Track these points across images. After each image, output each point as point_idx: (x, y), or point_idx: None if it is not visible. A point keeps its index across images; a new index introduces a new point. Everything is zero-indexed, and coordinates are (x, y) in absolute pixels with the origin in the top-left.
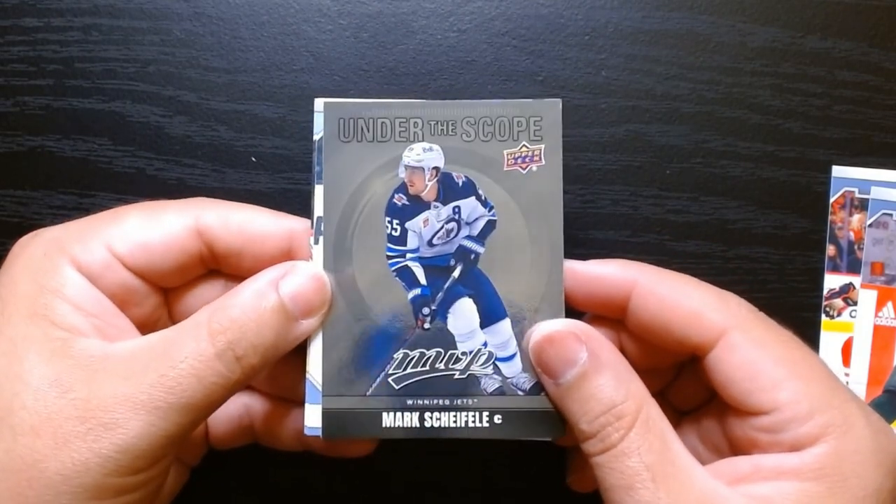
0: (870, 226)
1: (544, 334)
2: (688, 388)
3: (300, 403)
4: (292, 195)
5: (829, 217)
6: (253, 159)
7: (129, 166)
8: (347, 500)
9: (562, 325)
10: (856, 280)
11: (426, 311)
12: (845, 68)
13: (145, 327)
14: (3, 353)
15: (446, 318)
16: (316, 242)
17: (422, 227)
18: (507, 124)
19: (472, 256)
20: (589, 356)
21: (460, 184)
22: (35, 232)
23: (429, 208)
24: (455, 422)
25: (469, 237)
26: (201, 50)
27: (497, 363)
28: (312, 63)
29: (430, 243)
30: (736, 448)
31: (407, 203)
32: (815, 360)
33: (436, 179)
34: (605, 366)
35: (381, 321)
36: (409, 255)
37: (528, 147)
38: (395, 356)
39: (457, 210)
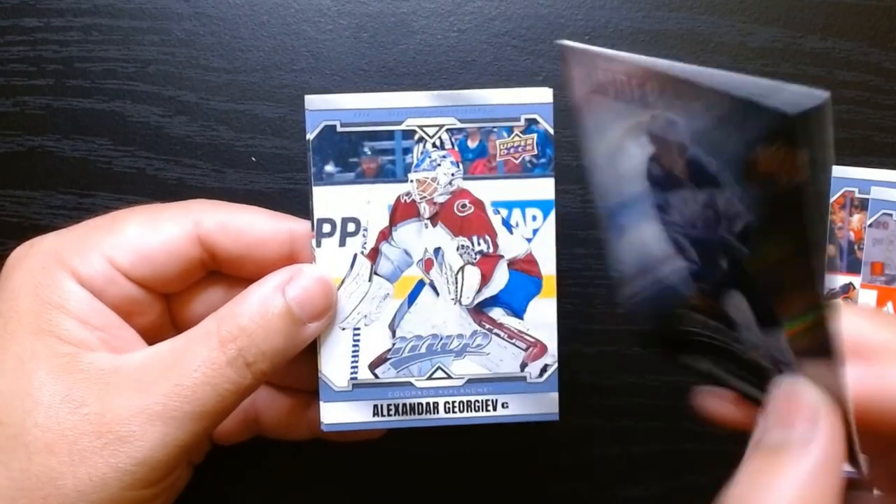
0: (870, 226)
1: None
2: None
3: (308, 393)
4: (292, 195)
5: (829, 217)
6: (253, 159)
7: (129, 166)
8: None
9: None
10: (856, 280)
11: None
12: (845, 68)
13: (150, 335)
14: (11, 371)
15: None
16: (318, 245)
17: (682, 205)
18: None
19: (737, 255)
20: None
21: (710, 170)
22: (29, 242)
23: (683, 186)
24: None
25: (731, 233)
26: (201, 50)
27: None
28: (312, 63)
29: (692, 225)
30: None
31: (661, 173)
32: None
33: (686, 157)
34: None
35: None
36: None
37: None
38: None
39: (713, 196)
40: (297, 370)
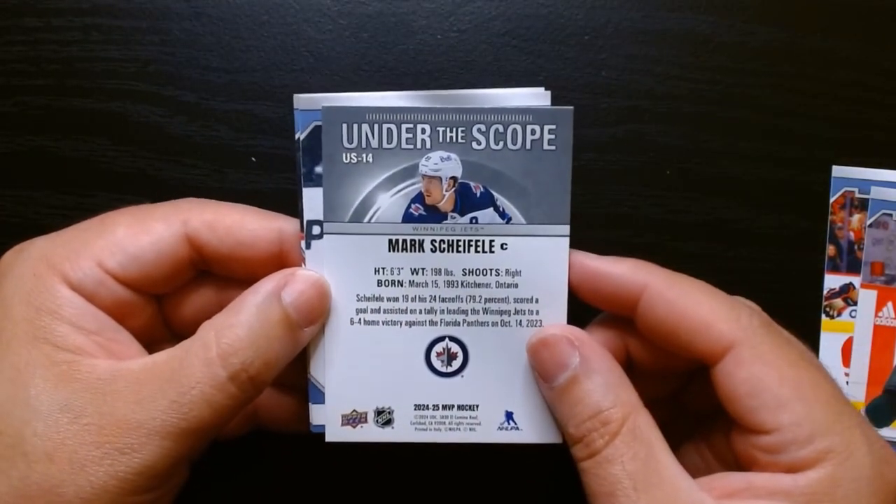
0: (870, 226)
1: (539, 337)
2: (702, 394)
3: (299, 389)
4: (292, 195)
5: (829, 217)
6: (253, 159)
7: (129, 166)
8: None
9: (557, 329)
10: (856, 280)
11: None
12: (845, 68)
13: (142, 338)
14: (8, 380)
15: None
16: (307, 247)
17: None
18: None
19: None
20: (581, 361)
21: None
22: (18, 248)
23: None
24: None
25: None
26: (201, 50)
27: None
28: (312, 63)
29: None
30: (739, 462)
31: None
32: (823, 382)
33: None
34: (595, 371)
35: None
36: None
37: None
38: None
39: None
40: (292, 367)
